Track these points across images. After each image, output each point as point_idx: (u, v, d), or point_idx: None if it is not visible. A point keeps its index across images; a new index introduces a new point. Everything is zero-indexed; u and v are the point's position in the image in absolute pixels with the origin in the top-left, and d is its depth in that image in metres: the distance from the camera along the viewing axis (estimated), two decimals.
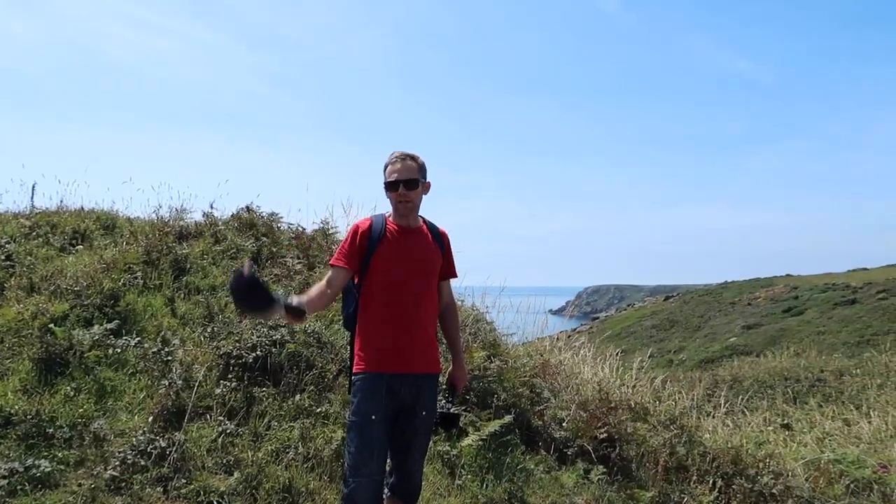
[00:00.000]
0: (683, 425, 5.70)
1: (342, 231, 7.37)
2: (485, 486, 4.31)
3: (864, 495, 5.37)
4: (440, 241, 3.15)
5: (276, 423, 4.25)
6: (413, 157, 3.02)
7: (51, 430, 3.78)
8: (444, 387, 3.35)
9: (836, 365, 15.16)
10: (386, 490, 3.04)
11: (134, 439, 3.78)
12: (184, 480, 3.65)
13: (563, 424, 5.14)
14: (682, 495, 4.82)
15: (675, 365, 24.62)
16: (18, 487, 3.37)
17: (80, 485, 3.50)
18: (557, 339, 7.61)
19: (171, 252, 5.98)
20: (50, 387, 4.13)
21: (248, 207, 7.49)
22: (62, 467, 3.57)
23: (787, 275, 47.20)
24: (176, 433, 3.88)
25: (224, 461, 3.86)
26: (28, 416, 3.80)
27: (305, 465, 3.99)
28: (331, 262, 3.01)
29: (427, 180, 3.07)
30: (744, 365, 17.35)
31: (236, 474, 3.75)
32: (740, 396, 10.05)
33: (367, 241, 2.95)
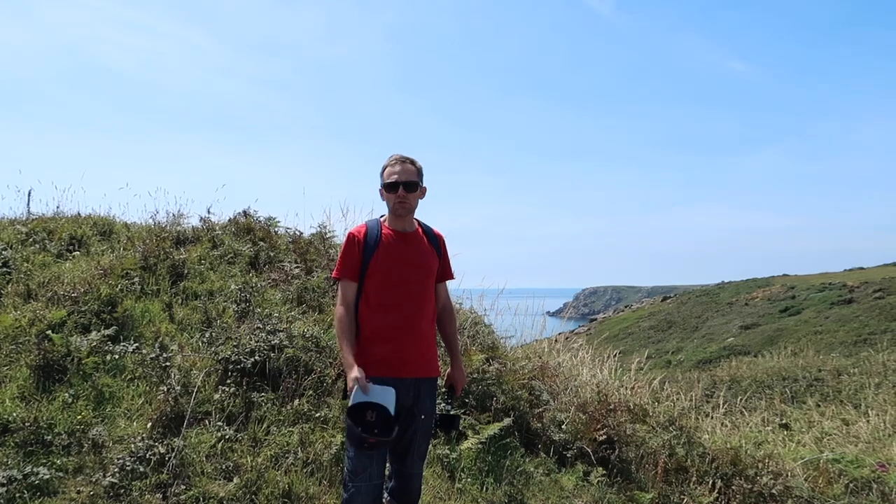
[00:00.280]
0: (682, 426, 5.72)
1: (339, 235, 7.38)
2: (484, 489, 4.30)
3: (863, 494, 5.39)
4: (436, 243, 3.16)
5: (275, 429, 4.24)
6: (412, 161, 3.04)
7: (49, 438, 3.76)
8: (443, 389, 3.35)
9: (833, 364, 15.20)
10: (386, 494, 3.04)
11: (133, 446, 3.77)
12: (183, 487, 3.65)
13: (563, 427, 5.14)
14: (682, 496, 4.82)
15: (674, 366, 24.64)
16: (17, 495, 3.35)
17: (78, 492, 3.49)
18: (556, 340, 7.62)
19: (168, 257, 5.97)
20: (48, 394, 4.12)
21: (245, 212, 7.49)
22: (61, 474, 3.55)
23: (784, 274, 47.30)
24: (175, 439, 3.87)
25: (223, 467, 3.85)
26: (26, 424, 3.78)
27: (305, 470, 3.98)
28: (336, 276, 3.00)
29: (423, 185, 3.09)
30: (742, 365, 17.39)
31: (236, 480, 3.75)
32: (739, 397, 10.08)
33: (364, 247, 2.96)
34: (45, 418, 3.88)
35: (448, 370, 3.29)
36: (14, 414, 3.84)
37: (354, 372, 2.80)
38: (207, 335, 4.98)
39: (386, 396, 2.79)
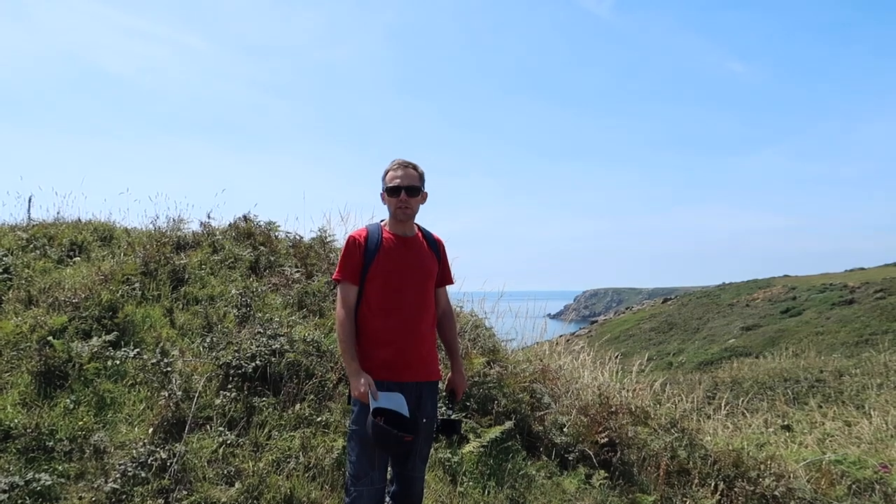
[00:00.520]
0: (684, 428, 5.71)
1: (339, 239, 7.38)
2: (486, 492, 4.30)
3: (866, 496, 5.38)
4: (436, 248, 3.17)
5: (276, 433, 4.24)
6: (414, 166, 3.06)
7: (51, 444, 3.76)
8: (443, 393, 3.35)
9: (835, 365, 15.18)
10: (387, 498, 3.04)
11: (134, 451, 3.77)
12: (185, 492, 3.64)
13: (564, 429, 5.13)
14: (685, 499, 4.82)
15: (675, 367, 24.63)
16: (19, 501, 3.36)
17: (80, 498, 3.49)
18: (556, 343, 7.62)
19: (168, 262, 5.97)
20: (49, 400, 4.12)
21: (245, 217, 7.49)
22: (63, 480, 3.55)
23: (785, 275, 47.29)
24: (176, 444, 3.87)
25: (225, 472, 3.85)
26: (28, 430, 3.78)
27: (307, 475, 3.98)
28: (337, 279, 3.00)
29: (425, 190, 3.10)
30: (743, 366, 17.37)
31: (237, 485, 3.75)
32: (740, 398, 10.07)
33: (365, 251, 2.96)
34: (46, 424, 3.88)
35: (449, 375, 3.29)
36: (16, 420, 3.84)
37: (363, 379, 2.80)
38: (208, 340, 4.99)
39: (397, 401, 2.81)
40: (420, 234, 3.14)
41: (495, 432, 4.64)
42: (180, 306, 5.53)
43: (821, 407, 10.32)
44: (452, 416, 3.37)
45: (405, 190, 2.98)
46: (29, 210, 7.44)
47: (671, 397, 7.02)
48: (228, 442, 4.05)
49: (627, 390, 6.38)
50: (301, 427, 4.32)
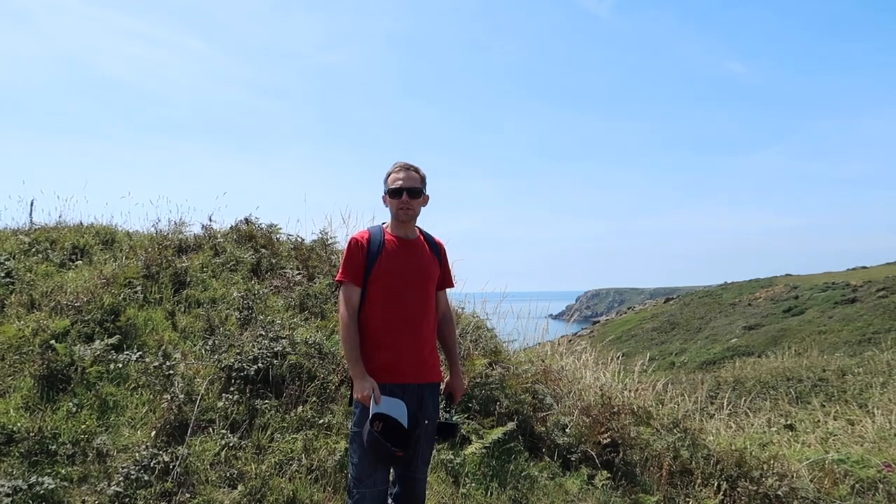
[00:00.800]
0: (687, 428, 5.70)
1: (341, 241, 7.39)
2: (489, 493, 4.30)
3: (870, 495, 5.37)
4: (437, 251, 3.18)
5: (278, 436, 4.24)
6: (416, 169, 3.07)
7: (54, 447, 3.77)
8: (442, 397, 3.35)
9: (838, 364, 15.15)
10: (390, 500, 3.04)
11: (137, 454, 3.78)
12: (188, 495, 3.65)
13: (567, 430, 5.13)
14: (687, 499, 4.81)
15: (677, 367, 24.61)
16: None
17: (83, 501, 3.49)
18: (558, 343, 7.62)
19: (170, 266, 5.98)
20: (52, 403, 4.13)
21: (246, 219, 7.50)
22: (66, 484, 3.56)
23: (787, 274, 47.23)
24: (179, 447, 3.88)
25: (228, 474, 3.85)
26: (31, 433, 3.79)
27: (309, 477, 3.98)
28: (340, 279, 3.01)
29: (427, 192, 3.11)
30: (745, 366, 17.34)
31: (240, 487, 3.75)
32: (743, 398, 10.06)
33: (367, 253, 2.97)
34: (49, 428, 3.88)
35: (447, 378, 3.29)
36: (19, 424, 3.85)
37: (367, 382, 2.81)
38: (210, 343, 4.99)
39: (399, 409, 2.81)
40: (421, 237, 3.15)
41: (497, 433, 4.64)
42: (182, 309, 5.54)
43: (824, 406, 10.29)
44: (450, 420, 3.37)
45: (407, 192, 2.99)
46: (31, 214, 7.46)
47: (673, 397, 7.02)
48: (231, 444, 4.05)
49: (630, 390, 6.37)
50: (303, 429, 4.32)
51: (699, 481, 5.01)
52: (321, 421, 4.42)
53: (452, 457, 4.43)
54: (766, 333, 30.36)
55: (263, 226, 7.42)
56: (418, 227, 3.16)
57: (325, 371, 4.87)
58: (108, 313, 5.07)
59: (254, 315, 5.44)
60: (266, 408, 4.40)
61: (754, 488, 4.93)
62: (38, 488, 3.42)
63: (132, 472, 3.64)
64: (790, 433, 7.94)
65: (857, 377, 13.44)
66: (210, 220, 7.36)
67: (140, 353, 4.69)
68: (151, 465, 3.72)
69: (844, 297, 33.26)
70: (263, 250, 6.86)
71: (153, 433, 4.01)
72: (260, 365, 4.63)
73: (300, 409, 4.46)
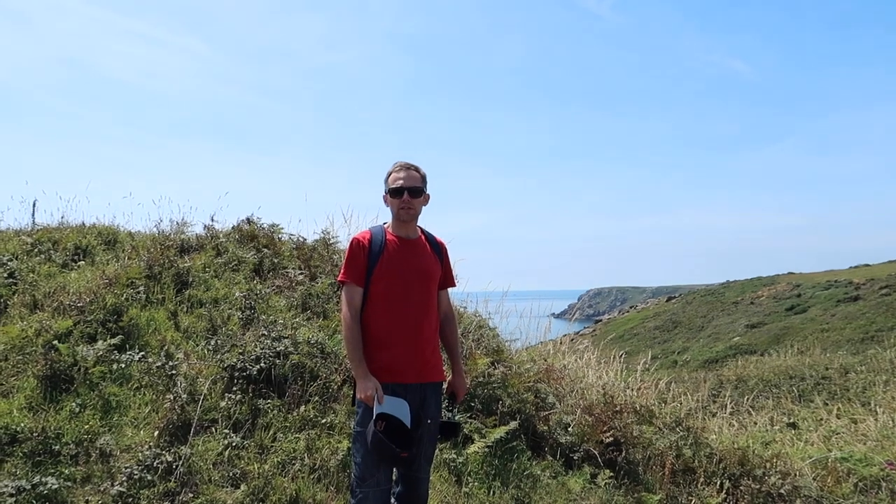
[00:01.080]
0: (689, 427, 5.70)
1: (342, 241, 7.39)
2: (491, 492, 4.30)
3: (873, 493, 5.36)
4: (438, 250, 3.18)
5: (281, 435, 4.25)
6: (416, 168, 3.07)
7: (57, 447, 3.78)
8: (444, 396, 3.35)
9: (840, 362, 15.14)
10: (393, 499, 3.04)
11: (140, 454, 3.79)
12: (191, 494, 3.65)
13: (569, 429, 5.13)
14: (690, 497, 4.81)
15: (680, 366, 24.58)
16: None
17: (87, 501, 3.50)
18: (561, 343, 7.61)
19: (172, 266, 5.99)
20: (55, 403, 4.14)
21: (248, 219, 7.51)
22: (69, 484, 3.57)
23: (790, 273, 47.16)
24: (182, 447, 3.89)
25: (230, 474, 3.86)
26: (34, 434, 3.80)
27: (312, 477, 3.99)
28: (342, 280, 3.00)
29: (427, 192, 3.11)
30: (748, 364, 17.34)
31: (243, 487, 3.76)
32: (745, 396, 10.05)
33: (369, 253, 2.97)
34: (52, 428, 3.89)
35: (450, 377, 3.30)
36: (22, 424, 3.86)
37: (370, 382, 2.81)
38: (213, 343, 5.00)
39: (401, 409, 2.82)
40: (423, 237, 3.15)
41: (500, 432, 4.64)
42: (184, 309, 5.55)
43: (826, 404, 10.29)
44: (452, 420, 3.38)
45: (408, 191, 2.99)
46: (33, 215, 7.47)
47: (676, 396, 7.01)
48: (234, 444, 4.06)
49: (632, 389, 6.37)
50: (306, 429, 4.33)
51: (702, 480, 5.01)
52: (324, 420, 4.43)
53: (455, 456, 4.43)
54: (769, 332, 30.33)
55: (265, 226, 7.43)
56: (420, 227, 3.16)
57: (327, 371, 4.87)
58: (110, 313, 5.08)
59: (256, 315, 5.45)
60: (269, 407, 4.40)
61: (757, 487, 4.93)
62: (41, 488, 3.43)
63: (135, 472, 3.65)
64: (793, 431, 7.93)
65: (859, 375, 13.43)
66: (212, 220, 7.37)
67: (143, 353, 4.70)
68: (154, 464, 3.72)
69: (847, 296, 33.22)
70: (265, 250, 6.86)
71: (156, 433, 4.01)
72: (262, 365, 4.64)
73: (303, 408, 4.46)
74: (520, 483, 4.44)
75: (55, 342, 4.56)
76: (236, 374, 4.58)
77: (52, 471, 3.62)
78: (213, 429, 4.17)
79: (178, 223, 7.22)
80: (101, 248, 6.69)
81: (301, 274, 6.42)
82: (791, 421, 8.73)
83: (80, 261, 6.29)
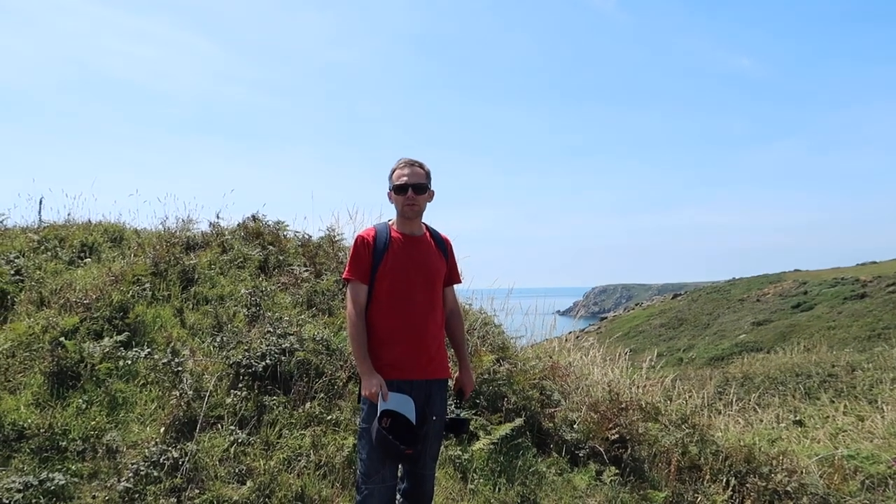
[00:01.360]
0: (695, 424, 5.69)
1: (348, 238, 7.39)
2: (497, 489, 4.30)
3: (880, 491, 5.34)
4: (443, 247, 3.18)
5: (287, 432, 4.26)
6: (420, 165, 3.06)
7: (64, 444, 3.80)
8: (451, 392, 3.35)
9: (847, 360, 15.06)
10: (398, 496, 3.04)
11: (146, 450, 3.80)
12: (197, 491, 3.67)
13: (574, 426, 5.12)
14: (696, 495, 4.80)
15: (685, 363, 24.52)
16: (33, 501, 3.39)
17: (94, 497, 3.52)
18: (566, 340, 7.61)
19: (178, 263, 6.00)
20: (62, 400, 4.16)
21: (254, 216, 7.52)
22: (76, 480, 3.58)
23: (796, 270, 46.96)
24: (188, 443, 3.90)
25: (236, 470, 3.87)
26: (41, 430, 3.82)
27: (317, 473, 4.00)
28: (347, 277, 3.00)
29: (432, 188, 3.11)
30: (754, 362, 17.27)
31: (249, 483, 3.77)
32: (751, 393, 10.02)
33: (374, 251, 2.97)
34: (59, 424, 3.91)
35: (456, 374, 3.29)
36: (29, 420, 3.88)
37: (375, 379, 2.81)
38: (218, 340, 5.01)
39: (407, 406, 2.82)
40: (428, 234, 3.15)
41: (505, 429, 4.64)
42: (190, 306, 5.56)
43: (833, 402, 10.24)
44: (460, 415, 3.38)
45: (412, 188, 2.99)
46: (40, 212, 7.50)
47: (682, 393, 7.00)
48: (239, 441, 4.07)
49: (638, 386, 6.36)
50: (311, 425, 4.33)
51: (708, 477, 4.99)
52: (329, 417, 4.43)
53: (460, 452, 4.43)
54: (775, 329, 30.21)
55: (271, 223, 7.44)
56: (424, 224, 3.16)
57: (332, 367, 4.88)
58: (116, 310, 5.10)
59: (262, 312, 5.46)
60: (274, 404, 4.41)
61: (763, 484, 4.91)
62: (48, 484, 3.45)
63: (142, 468, 3.67)
64: (799, 429, 7.90)
65: (866, 373, 13.35)
66: (218, 217, 7.39)
67: (149, 349, 4.71)
68: (161, 461, 3.74)
69: (854, 293, 33.04)
70: (271, 247, 6.87)
71: (162, 429, 4.03)
72: (268, 361, 4.65)
73: (308, 405, 4.47)
74: (525, 480, 4.43)
75: (62, 339, 4.57)
76: (242, 370, 4.59)
77: (59, 467, 3.64)
78: (219, 425, 4.19)
79: (183, 220, 7.25)
80: (108, 245, 6.71)
81: (306, 271, 6.42)
82: (797, 418, 8.69)
83: (86, 258, 6.31)
